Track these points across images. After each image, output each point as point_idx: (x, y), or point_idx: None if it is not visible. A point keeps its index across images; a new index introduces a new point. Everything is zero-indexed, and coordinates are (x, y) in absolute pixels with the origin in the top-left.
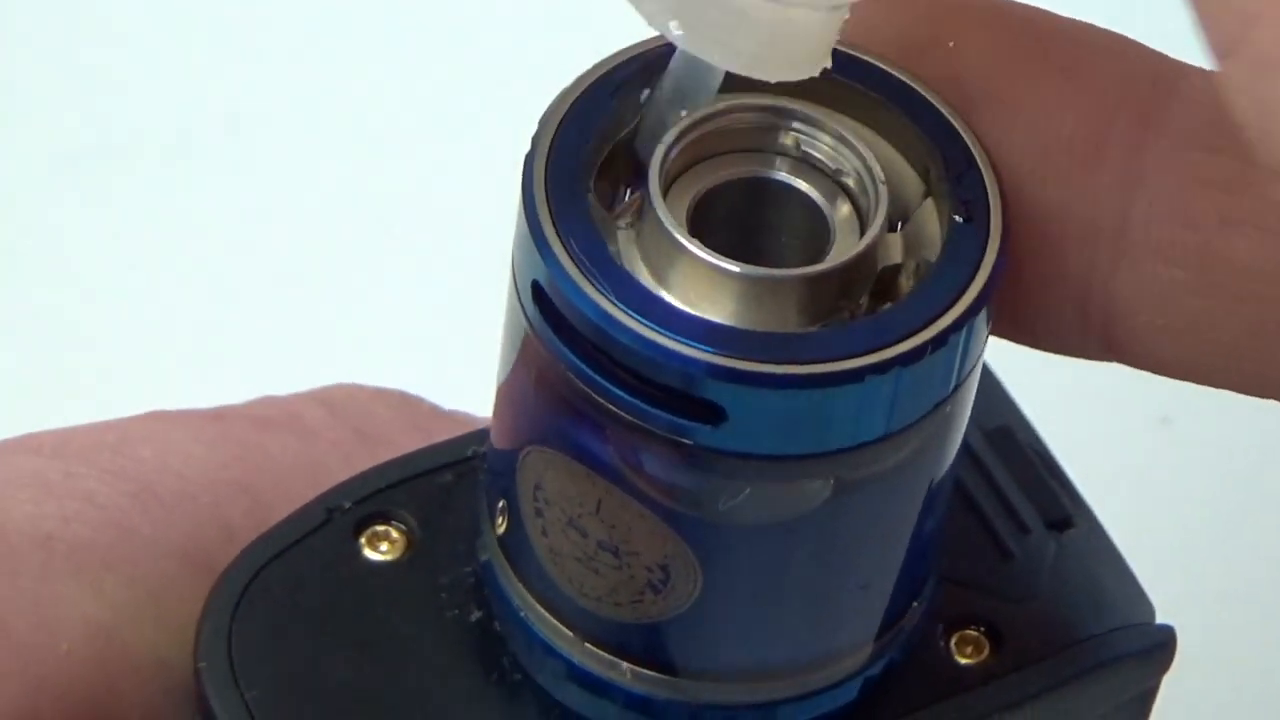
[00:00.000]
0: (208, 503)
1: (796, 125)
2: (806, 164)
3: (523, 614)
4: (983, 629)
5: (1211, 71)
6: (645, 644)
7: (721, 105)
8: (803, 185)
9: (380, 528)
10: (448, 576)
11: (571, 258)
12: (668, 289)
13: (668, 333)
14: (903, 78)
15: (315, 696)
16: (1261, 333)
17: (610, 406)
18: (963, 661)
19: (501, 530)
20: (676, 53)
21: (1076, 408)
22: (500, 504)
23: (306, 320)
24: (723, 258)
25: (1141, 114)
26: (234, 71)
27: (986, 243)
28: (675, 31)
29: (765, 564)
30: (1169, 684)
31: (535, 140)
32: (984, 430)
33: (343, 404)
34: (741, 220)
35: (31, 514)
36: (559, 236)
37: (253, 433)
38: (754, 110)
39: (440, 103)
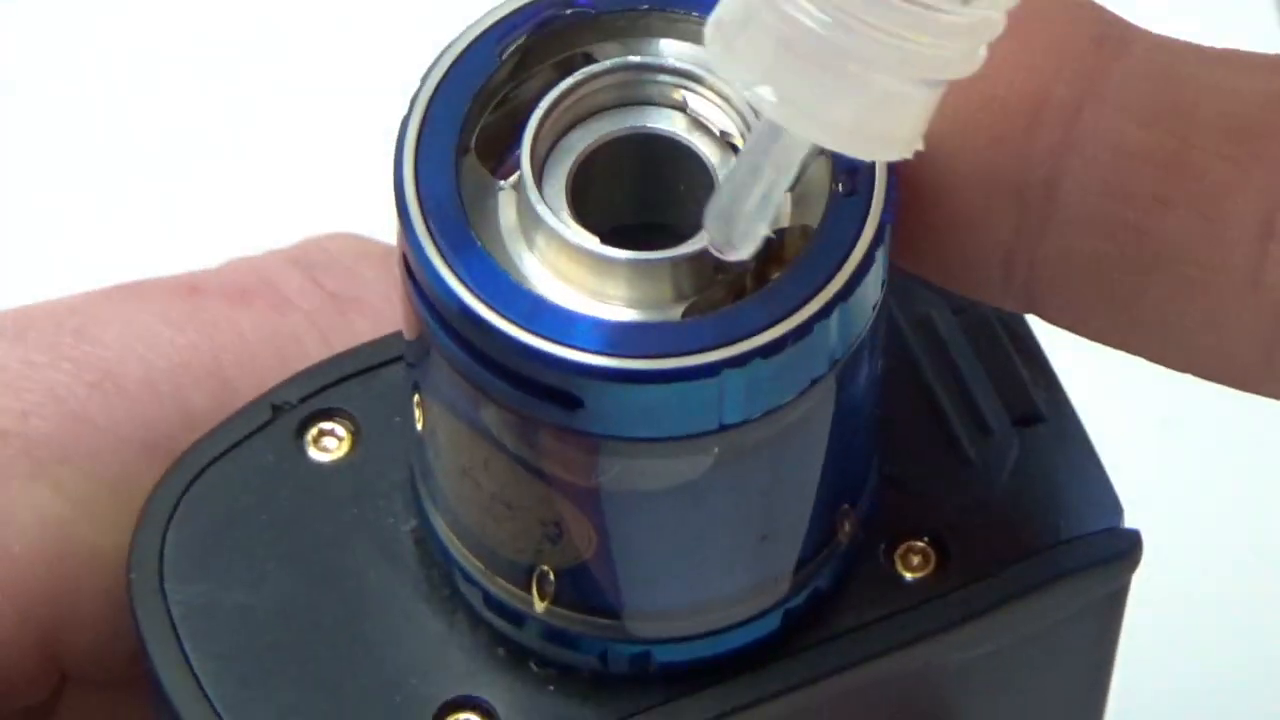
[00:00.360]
0: (171, 390)
1: (685, 83)
2: (696, 122)
3: (442, 538)
4: (929, 541)
5: (1160, 37)
6: (552, 585)
7: (608, 64)
8: (692, 142)
9: (326, 425)
10: (388, 480)
11: (431, 233)
12: (538, 256)
13: (518, 321)
14: None
15: (246, 610)
16: (1188, 313)
17: (473, 382)
18: (907, 576)
19: (418, 460)
20: (762, 121)
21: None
22: (415, 431)
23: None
24: (584, 235)
25: (1083, 79)
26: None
27: (866, 217)
28: (768, 99)
29: (655, 525)
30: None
31: (412, 101)
32: (956, 314)
33: (321, 264)
34: (629, 178)
35: None
36: (420, 208)
37: (225, 308)
38: (642, 69)
39: None
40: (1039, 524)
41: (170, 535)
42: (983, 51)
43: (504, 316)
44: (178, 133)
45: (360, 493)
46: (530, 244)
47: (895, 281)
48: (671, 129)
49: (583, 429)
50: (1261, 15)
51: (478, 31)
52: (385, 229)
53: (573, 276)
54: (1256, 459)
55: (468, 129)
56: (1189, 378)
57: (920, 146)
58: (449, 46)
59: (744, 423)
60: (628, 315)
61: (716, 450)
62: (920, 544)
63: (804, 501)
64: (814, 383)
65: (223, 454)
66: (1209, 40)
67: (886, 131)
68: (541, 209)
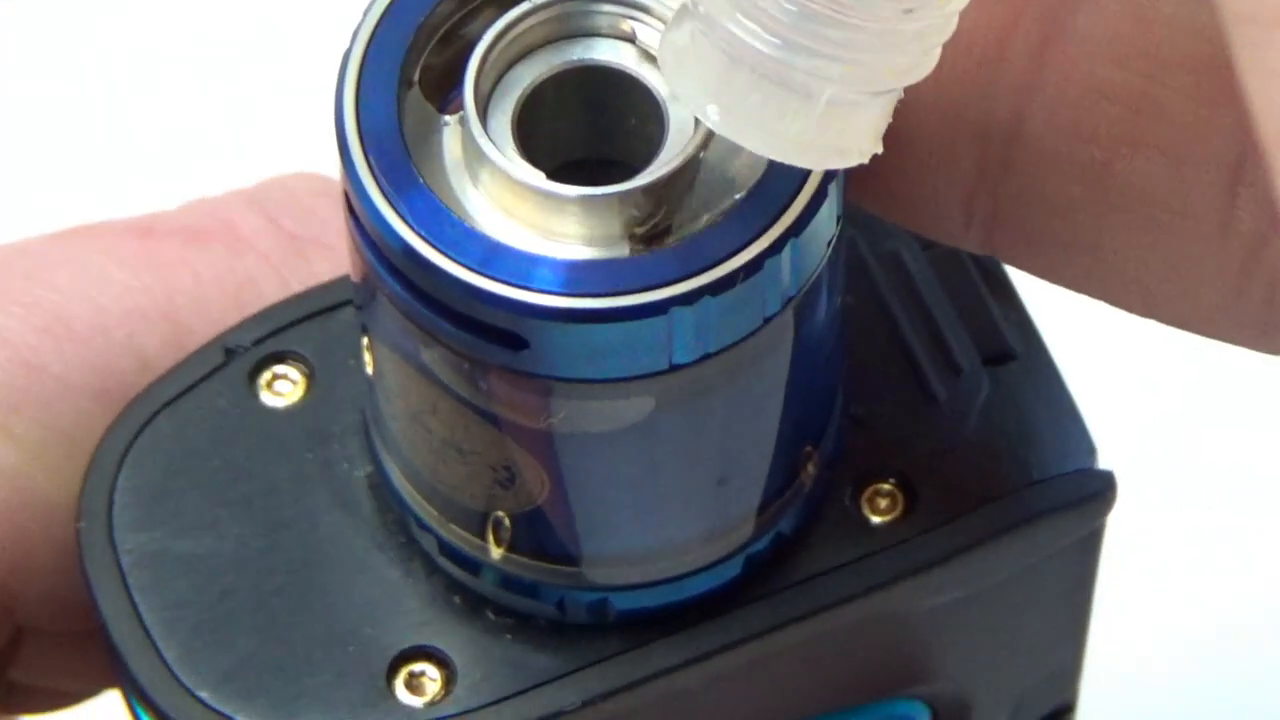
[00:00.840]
0: (124, 334)
1: (632, 13)
2: (644, 53)
3: (396, 484)
4: (896, 483)
5: None
6: (507, 531)
7: None
8: (640, 74)
9: (280, 369)
10: (342, 425)
11: (372, 170)
12: (483, 192)
13: (461, 259)
14: None
15: (197, 558)
16: (1154, 258)
17: (417, 322)
18: (874, 519)
19: (370, 404)
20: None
21: None
22: (366, 375)
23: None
24: (529, 170)
25: (1048, 16)
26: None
27: None
28: (713, 117)
29: (608, 468)
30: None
31: (355, 34)
32: (925, 249)
33: (281, 204)
34: (577, 112)
35: None
36: (361, 143)
37: (179, 250)
38: (589, 0)
39: None
40: (1009, 465)
41: (120, 482)
42: (936, 52)
43: (446, 254)
44: (176, 132)
45: (314, 438)
46: (475, 180)
47: (861, 218)
48: (619, 61)
49: (529, 370)
50: None
51: None
52: None
53: (519, 213)
54: (1235, 403)
55: (410, 62)
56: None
57: (878, 150)
58: None
59: (695, 362)
60: (576, 253)
61: (667, 391)
62: (887, 486)
63: (763, 443)
64: (767, 321)
65: (174, 399)
66: None
67: (840, 142)
68: (485, 144)
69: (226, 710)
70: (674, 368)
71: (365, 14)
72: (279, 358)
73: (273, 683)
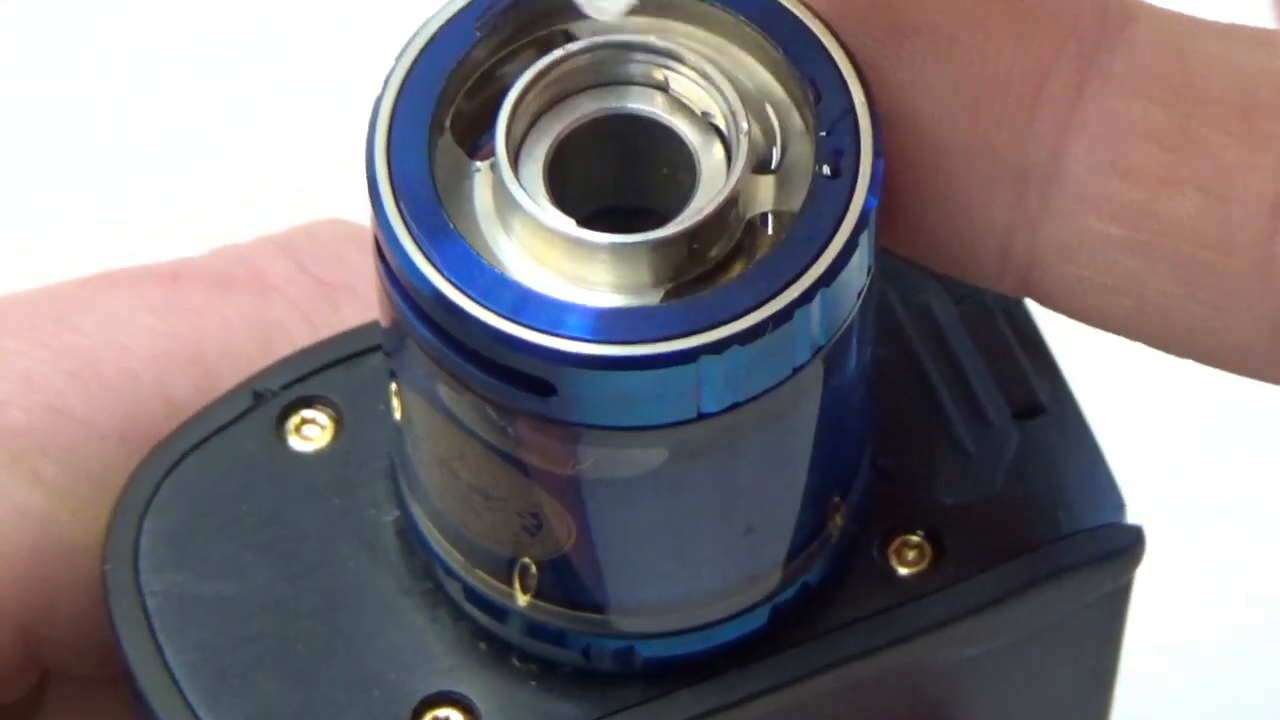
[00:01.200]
0: (152, 378)
1: (665, 62)
2: (676, 102)
3: (423, 530)
4: (924, 535)
5: (1165, 11)
6: (533, 578)
7: (586, 43)
8: (672, 123)
9: (308, 413)
10: (370, 470)
11: (403, 218)
12: (514, 239)
13: (491, 306)
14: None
15: (223, 602)
16: (1194, 297)
17: (447, 368)
18: (901, 571)
19: (397, 450)
20: None
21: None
22: (394, 420)
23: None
24: (560, 217)
25: (1086, 55)
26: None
27: (850, 200)
28: None
29: (636, 515)
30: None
31: (386, 79)
32: (957, 303)
33: (309, 250)
34: (608, 160)
35: None
36: (393, 193)
37: (207, 295)
38: (622, 47)
39: None
40: (1038, 519)
41: (146, 525)
42: None
43: (477, 301)
44: (177, 132)
45: (341, 482)
46: (507, 227)
47: (892, 268)
48: (652, 109)
49: (558, 417)
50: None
51: (454, 9)
52: None
53: (550, 260)
54: (1262, 449)
55: (442, 109)
56: (1193, 365)
57: None
58: (424, 24)
59: (723, 411)
60: (607, 300)
61: (693, 439)
62: (915, 538)
63: (790, 493)
64: (796, 371)
65: (202, 441)
66: None
67: None
68: (517, 191)
69: None
70: (702, 416)
71: (397, 60)
72: (307, 402)
73: None
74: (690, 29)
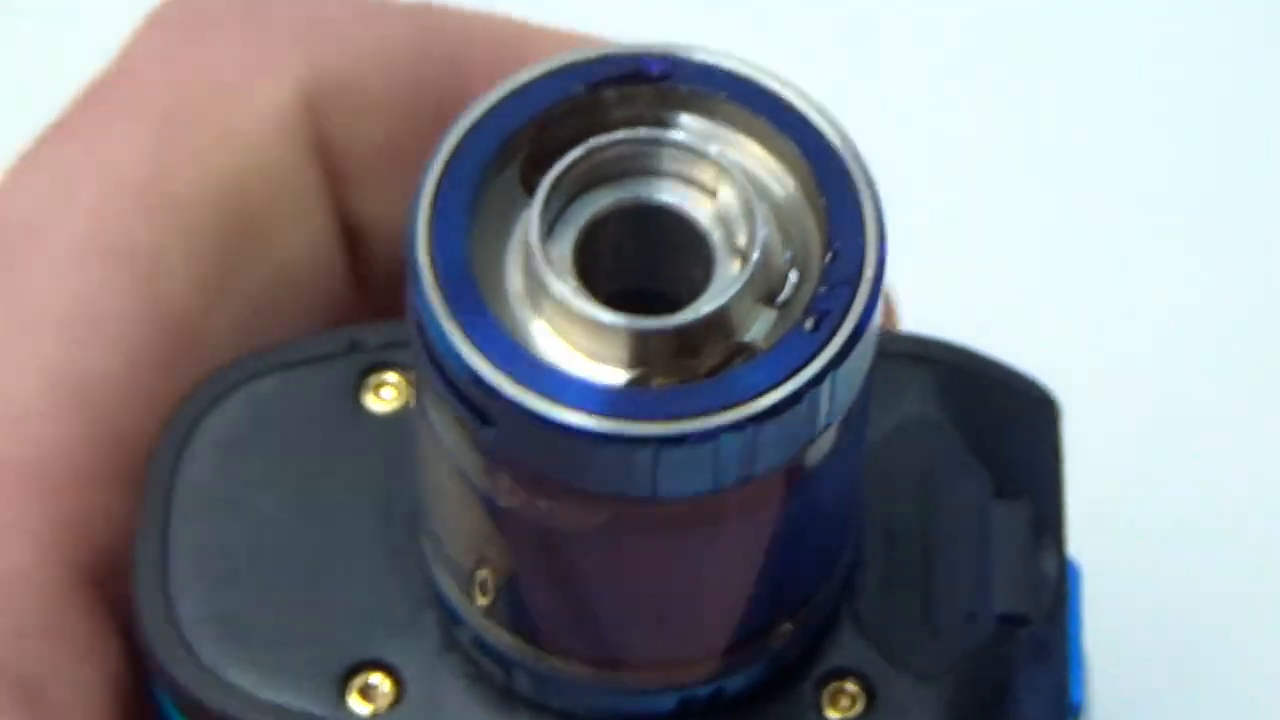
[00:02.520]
0: None
1: (690, 156)
2: (699, 193)
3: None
4: (862, 688)
5: None
6: (491, 592)
7: (618, 136)
8: (692, 214)
9: (391, 376)
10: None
11: (443, 293)
12: (543, 318)
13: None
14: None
15: (239, 513)
16: None
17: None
18: (829, 714)
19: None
20: None
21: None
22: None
23: None
24: (583, 299)
25: None
26: None
27: (814, 357)
28: None
29: (562, 565)
30: None
31: (438, 146)
32: (996, 496)
33: None
34: (634, 245)
35: None
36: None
37: None
38: (650, 142)
39: None
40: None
41: (205, 423)
42: None
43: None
44: None
45: (391, 449)
46: (536, 306)
47: (945, 438)
48: (674, 200)
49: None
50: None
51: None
52: None
53: (572, 337)
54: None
55: (480, 194)
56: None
57: None
58: (473, 106)
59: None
60: (617, 378)
61: (632, 516)
62: (853, 687)
63: (718, 595)
64: (747, 480)
65: (284, 367)
66: (1211, 39)
67: None
68: (545, 272)
69: (192, 638)
70: (651, 499)
71: (441, 143)
72: (394, 366)
73: (249, 640)
74: (747, 141)
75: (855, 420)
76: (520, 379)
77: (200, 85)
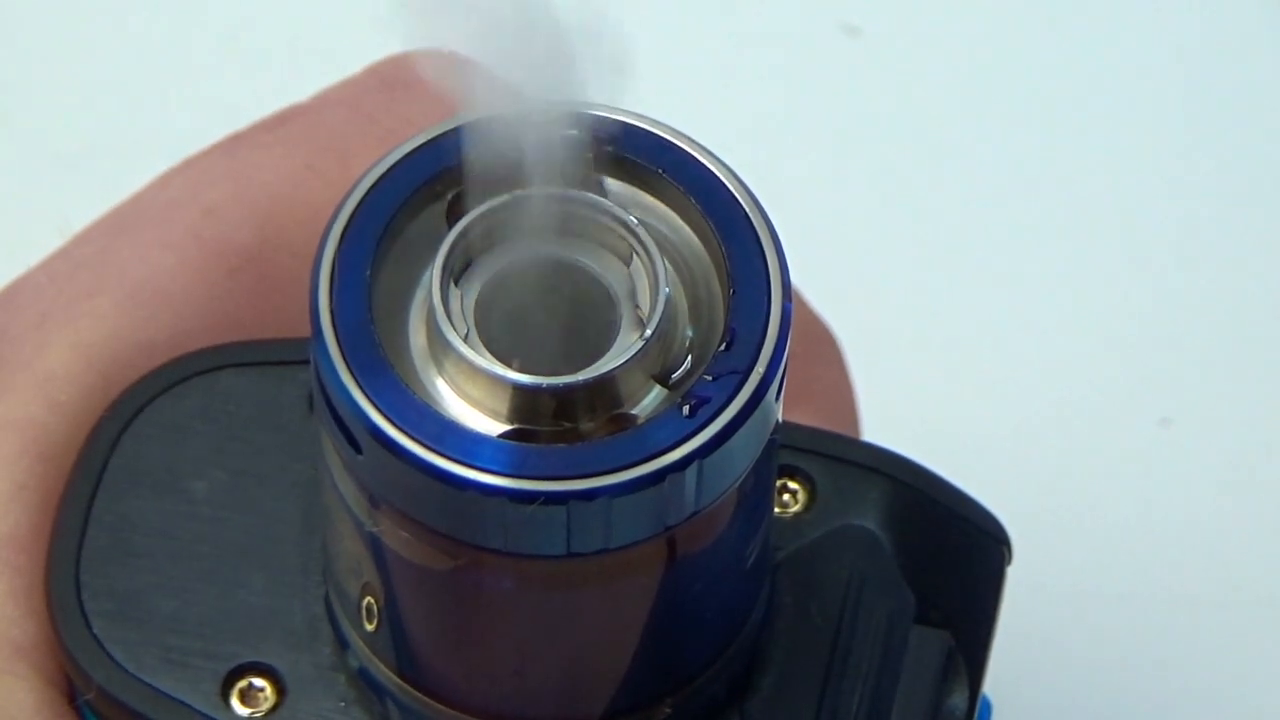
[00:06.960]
0: None
1: (598, 216)
2: (606, 251)
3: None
4: None
5: None
6: (375, 618)
7: (526, 194)
8: (599, 271)
9: None
10: None
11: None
12: (444, 375)
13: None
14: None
15: (167, 494)
16: None
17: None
18: None
19: None
20: None
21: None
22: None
23: None
24: (455, 344)
25: None
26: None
27: (689, 438)
28: None
29: (422, 600)
30: None
31: (342, 201)
32: (921, 605)
33: None
34: (539, 301)
35: None
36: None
37: None
38: (556, 200)
39: None
40: None
41: (159, 401)
42: None
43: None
44: (176, 133)
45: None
46: (438, 363)
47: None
48: (581, 257)
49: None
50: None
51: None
52: None
53: (471, 392)
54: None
55: (381, 252)
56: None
57: None
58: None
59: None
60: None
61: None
62: None
63: (559, 658)
64: (636, 544)
65: (248, 364)
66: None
67: None
68: (447, 329)
69: (90, 608)
70: (494, 550)
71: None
72: None
73: (145, 620)
74: (659, 205)
75: (746, 510)
76: (398, 422)
77: None
